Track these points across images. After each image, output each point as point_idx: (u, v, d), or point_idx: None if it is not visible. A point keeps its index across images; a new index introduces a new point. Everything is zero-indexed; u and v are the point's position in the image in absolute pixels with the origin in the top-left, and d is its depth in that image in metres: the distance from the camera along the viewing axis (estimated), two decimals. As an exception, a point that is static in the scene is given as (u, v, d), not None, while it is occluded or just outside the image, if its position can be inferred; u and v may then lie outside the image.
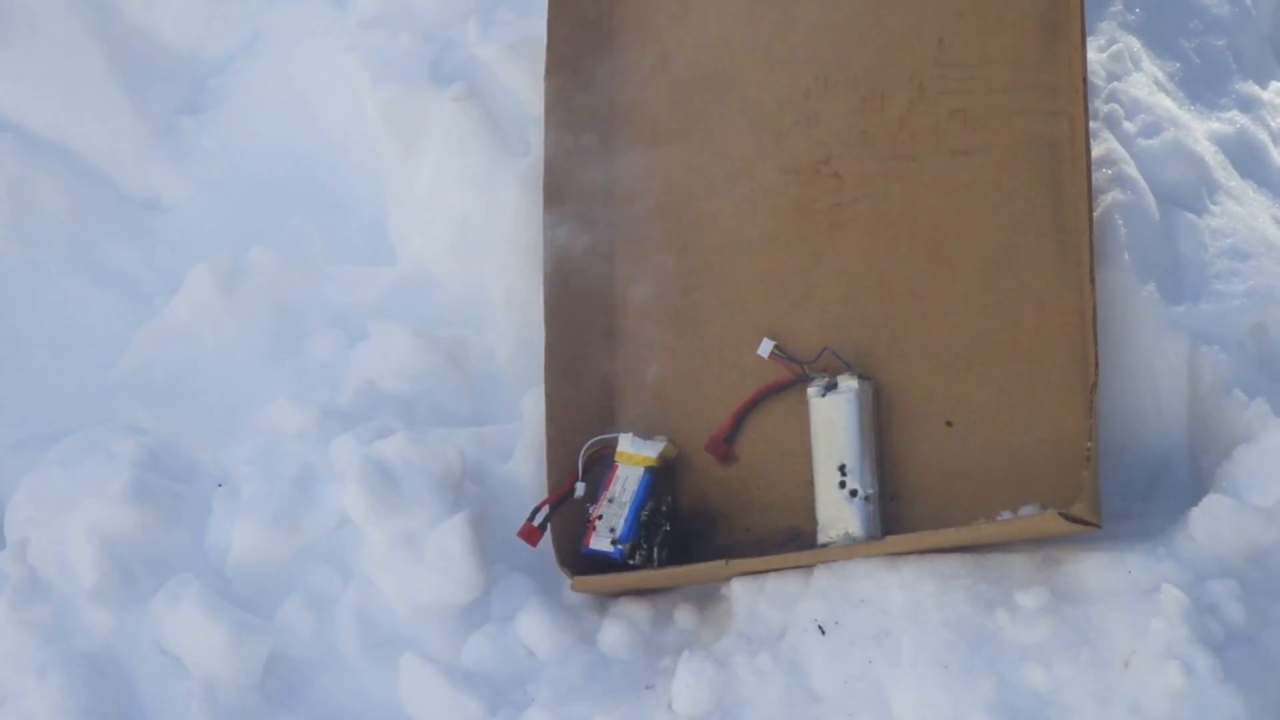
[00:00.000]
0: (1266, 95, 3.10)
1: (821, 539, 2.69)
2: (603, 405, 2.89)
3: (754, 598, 2.67)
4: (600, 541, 2.76)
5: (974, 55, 2.77)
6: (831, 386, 2.73)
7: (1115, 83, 2.91)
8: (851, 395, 2.71)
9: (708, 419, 2.83)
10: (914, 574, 2.58)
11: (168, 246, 3.37)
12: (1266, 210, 2.92)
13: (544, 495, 2.81)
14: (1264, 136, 3.02)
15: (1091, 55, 2.87)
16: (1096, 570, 2.53)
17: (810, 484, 2.72)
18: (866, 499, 2.69)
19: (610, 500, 2.78)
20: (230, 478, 2.92)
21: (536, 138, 2.99)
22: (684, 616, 2.77)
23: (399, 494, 2.78)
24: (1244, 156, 2.97)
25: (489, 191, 3.08)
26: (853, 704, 2.54)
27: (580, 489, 2.80)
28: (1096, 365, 2.56)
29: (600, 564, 2.77)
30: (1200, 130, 2.94)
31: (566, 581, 2.78)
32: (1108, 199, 2.76)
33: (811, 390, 2.74)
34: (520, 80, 3.11)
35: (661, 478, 2.80)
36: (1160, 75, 2.98)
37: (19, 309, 3.36)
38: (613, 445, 2.82)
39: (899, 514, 2.71)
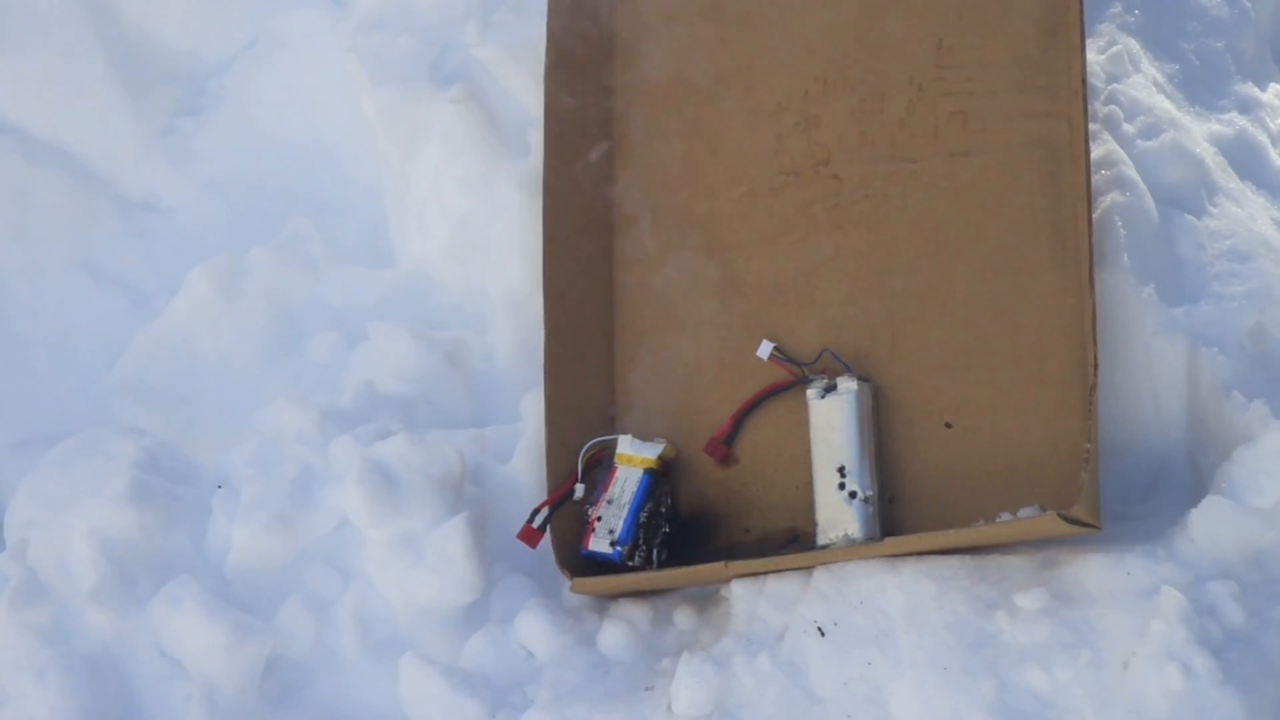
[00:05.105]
0: (1265, 97, 3.09)
1: (821, 540, 2.69)
2: (602, 406, 2.89)
3: (753, 599, 2.67)
4: (599, 543, 2.77)
5: (973, 57, 2.77)
6: (831, 388, 2.73)
7: (1114, 84, 2.91)
8: (851, 397, 2.71)
9: (707, 420, 2.83)
10: (913, 576, 2.58)
11: (167, 248, 3.37)
12: (1265, 212, 2.92)
13: (543, 497, 2.81)
14: (1263, 138, 3.02)
15: (1091, 57, 2.87)
16: (1096, 572, 2.53)
17: (809, 486, 2.72)
18: (866, 500, 2.69)
19: (609, 502, 2.78)
20: (230, 479, 2.92)
21: (536, 139, 2.99)
22: (683, 618, 2.77)
23: (398, 495, 2.78)
24: (1243, 158, 2.97)
25: (488, 192, 3.08)
26: (852, 706, 2.54)
27: (580, 490, 2.80)
28: (1096, 367, 2.55)
29: (599, 565, 2.78)
30: (1199, 132, 2.94)
31: (566, 583, 2.78)
32: (1107, 200, 2.76)
33: (811, 392, 2.74)
34: (520, 81, 3.11)
35: (661, 479, 2.80)
36: (1159, 77, 2.98)
37: (19, 309, 3.36)
38: (612, 447, 2.82)
39: (898, 515, 2.71)
